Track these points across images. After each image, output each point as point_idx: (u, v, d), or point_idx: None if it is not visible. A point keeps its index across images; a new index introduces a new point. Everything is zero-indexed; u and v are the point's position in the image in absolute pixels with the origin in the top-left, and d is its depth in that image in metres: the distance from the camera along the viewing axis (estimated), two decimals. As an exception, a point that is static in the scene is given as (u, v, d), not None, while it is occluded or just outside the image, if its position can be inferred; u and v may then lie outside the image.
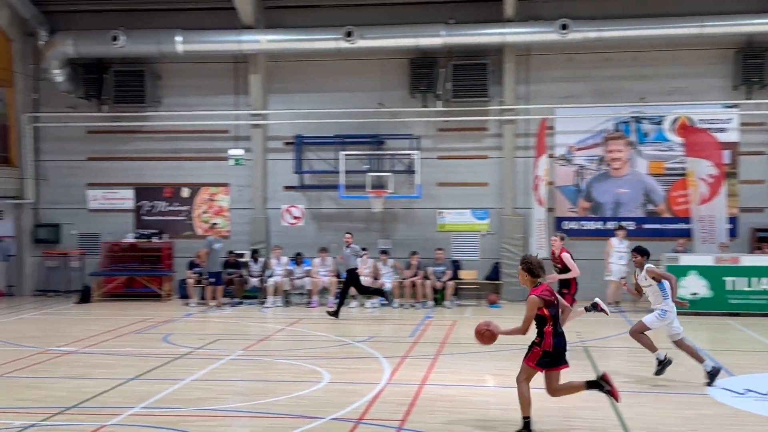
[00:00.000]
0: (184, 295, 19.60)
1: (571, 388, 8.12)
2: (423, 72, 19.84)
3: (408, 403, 9.26)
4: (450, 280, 19.00)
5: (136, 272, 20.36)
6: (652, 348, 10.53)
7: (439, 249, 19.43)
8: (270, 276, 19.15)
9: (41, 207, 21.53)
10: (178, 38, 19.74)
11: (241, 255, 20.07)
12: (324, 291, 19.07)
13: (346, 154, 19.80)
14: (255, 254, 19.87)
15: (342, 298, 17.11)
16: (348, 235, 17.62)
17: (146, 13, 20.63)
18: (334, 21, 19.62)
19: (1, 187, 20.43)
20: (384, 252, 19.43)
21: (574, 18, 18.81)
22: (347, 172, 19.70)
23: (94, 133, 21.29)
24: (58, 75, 20.25)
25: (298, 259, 19.47)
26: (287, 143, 20.73)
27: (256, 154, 20.57)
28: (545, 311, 7.78)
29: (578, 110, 19.85)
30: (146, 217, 21.23)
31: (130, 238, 20.77)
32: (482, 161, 20.26)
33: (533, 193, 19.33)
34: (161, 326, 15.67)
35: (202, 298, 19.00)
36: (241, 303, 19.22)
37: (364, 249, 18.22)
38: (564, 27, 18.73)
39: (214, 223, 20.44)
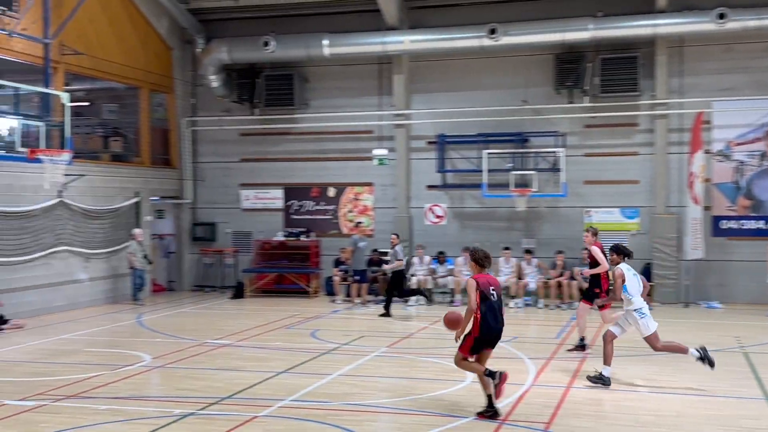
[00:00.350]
0: (331, 292, 20.10)
1: (475, 369, 8.73)
2: (569, 67, 19.36)
3: (554, 406, 9.08)
4: (597, 280, 18.42)
5: (286, 269, 21.09)
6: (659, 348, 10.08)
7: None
8: (413, 275, 19.29)
9: (199, 206, 22.69)
10: (325, 42, 20.26)
11: (385, 253, 20.32)
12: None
13: (489, 153, 19.63)
14: (399, 253, 20.09)
15: (388, 297, 17.15)
16: (393, 236, 17.68)
17: (295, 18, 21.31)
18: (477, 19, 19.52)
19: (163, 188, 21.69)
20: (528, 251, 19.12)
21: (732, 6, 17.80)
22: (490, 170, 19.52)
23: (246, 135, 22.21)
24: (214, 80, 21.28)
25: (440, 258, 19.51)
26: (430, 143, 20.80)
27: (400, 154, 20.78)
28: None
29: (737, 103, 18.74)
30: (295, 216, 21.93)
31: (279, 237, 21.52)
32: (632, 158, 19.54)
33: (688, 191, 18.42)
34: (309, 322, 16.15)
35: (348, 295, 19.41)
36: (385, 301, 19.50)
37: (406, 248, 18.09)
38: (721, 16, 17.76)
39: (359, 222, 20.83)
